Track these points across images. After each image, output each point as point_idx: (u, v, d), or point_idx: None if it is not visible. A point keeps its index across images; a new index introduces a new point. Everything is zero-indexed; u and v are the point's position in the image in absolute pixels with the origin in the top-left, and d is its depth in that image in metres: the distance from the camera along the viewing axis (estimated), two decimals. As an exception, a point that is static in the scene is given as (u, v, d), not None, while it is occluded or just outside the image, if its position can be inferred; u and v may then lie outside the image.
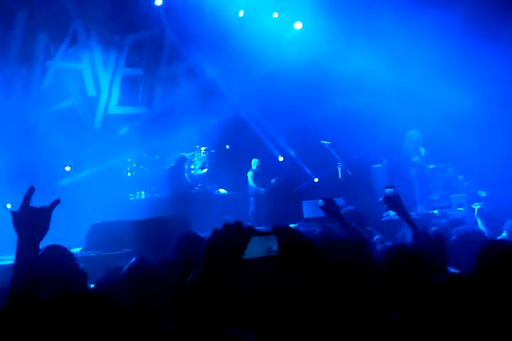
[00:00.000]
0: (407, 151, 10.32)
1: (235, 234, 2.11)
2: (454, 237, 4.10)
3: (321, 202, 4.09)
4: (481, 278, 2.57)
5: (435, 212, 9.29)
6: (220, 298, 1.94)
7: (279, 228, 2.58)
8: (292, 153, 12.77)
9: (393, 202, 3.79)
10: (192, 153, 12.13)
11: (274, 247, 2.35)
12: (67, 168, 11.50)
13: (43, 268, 3.66)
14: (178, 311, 2.59)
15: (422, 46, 11.09)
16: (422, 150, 10.27)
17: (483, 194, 8.28)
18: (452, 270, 3.72)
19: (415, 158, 10.24)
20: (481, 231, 4.45)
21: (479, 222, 5.61)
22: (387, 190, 3.81)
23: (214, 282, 2.00)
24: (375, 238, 5.11)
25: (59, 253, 3.86)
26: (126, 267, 3.45)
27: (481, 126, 10.20)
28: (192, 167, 12.03)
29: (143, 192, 11.51)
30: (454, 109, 10.36)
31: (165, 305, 3.01)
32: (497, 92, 10.39)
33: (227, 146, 13.01)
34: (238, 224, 2.04)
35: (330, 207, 4.09)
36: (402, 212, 3.79)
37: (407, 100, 11.09)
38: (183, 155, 11.41)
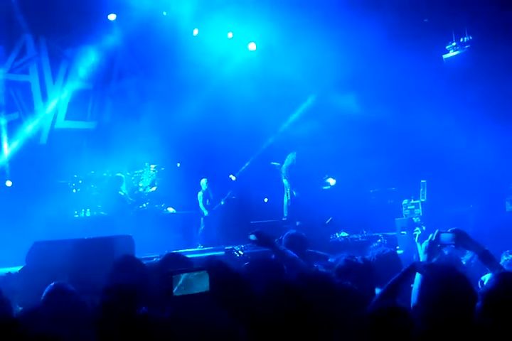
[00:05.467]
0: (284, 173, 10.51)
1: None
2: (373, 258, 4.24)
3: (253, 236, 4.22)
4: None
5: (379, 235, 9.46)
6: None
7: (211, 264, 2.59)
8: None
9: (262, 243, 4.20)
10: (141, 171, 11.94)
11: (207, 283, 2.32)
12: (9, 183, 11.12)
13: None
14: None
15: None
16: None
17: (418, 220, 8.59)
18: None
19: (285, 181, 10.42)
20: (395, 252, 4.59)
21: (418, 247, 5.73)
22: (251, 237, 4.20)
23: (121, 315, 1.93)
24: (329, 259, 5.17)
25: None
26: (44, 295, 3.28)
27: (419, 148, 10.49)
28: (140, 184, 11.83)
29: (88, 210, 11.21)
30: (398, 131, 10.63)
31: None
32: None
33: (178, 164, 12.87)
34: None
35: (262, 239, 4.21)
36: (275, 249, 4.19)
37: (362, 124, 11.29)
38: (119, 176, 11.16)
